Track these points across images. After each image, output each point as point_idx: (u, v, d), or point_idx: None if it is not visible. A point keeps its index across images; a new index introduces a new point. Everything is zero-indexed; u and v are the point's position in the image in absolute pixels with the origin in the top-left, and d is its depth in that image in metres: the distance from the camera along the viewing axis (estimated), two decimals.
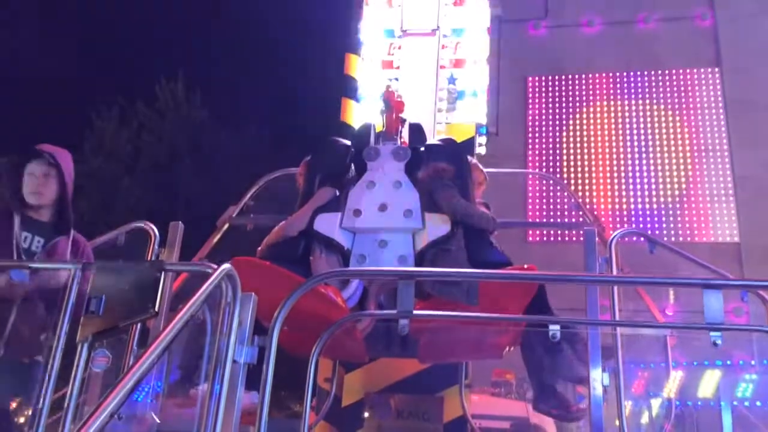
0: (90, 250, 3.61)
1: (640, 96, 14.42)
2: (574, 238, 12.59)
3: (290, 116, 18.69)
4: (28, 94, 18.22)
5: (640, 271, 2.91)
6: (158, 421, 3.72)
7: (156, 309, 2.32)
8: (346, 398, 4.98)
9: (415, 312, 2.71)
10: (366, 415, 4.94)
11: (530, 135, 14.52)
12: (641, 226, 13.30)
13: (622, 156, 14.01)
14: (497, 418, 5.85)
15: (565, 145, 14.33)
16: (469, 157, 4.42)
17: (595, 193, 13.76)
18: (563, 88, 14.85)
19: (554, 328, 2.66)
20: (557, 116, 14.65)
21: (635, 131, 14.20)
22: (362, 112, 6.55)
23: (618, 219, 13.44)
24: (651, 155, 13.93)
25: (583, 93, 14.71)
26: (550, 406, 3.73)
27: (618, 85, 14.60)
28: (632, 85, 14.57)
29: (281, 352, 2.49)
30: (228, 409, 2.26)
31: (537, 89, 14.95)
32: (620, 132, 14.25)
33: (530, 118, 14.70)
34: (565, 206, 13.48)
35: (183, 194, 17.14)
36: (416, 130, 4.51)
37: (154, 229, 3.95)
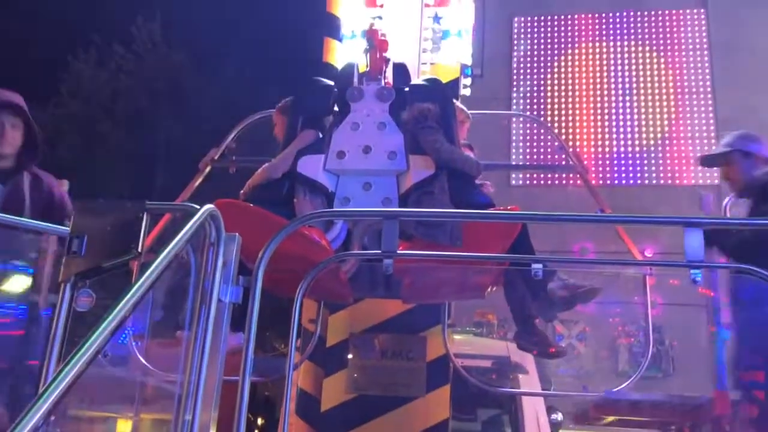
0: (61, 190, 3.60)
1: (625, 37, 14.30)
2: (556, 182, 12.67)
3: (272, 57, 18.35)
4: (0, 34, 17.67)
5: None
6: (144, 362, 3.75)
7: (139, 249, 2.30)
8: (330, 338, 5.02)
9: (399, 252, 2.72)
10: (350, 354, 5.01)
11: (515, 77, 14.40)
12: (623, 168, 13.37)
13: (606, 98, 13.98)
14: (479, 356, 5.95)
15: (549, 87, 14.24)
16: None
17: (578, 135, 13.76)
18: (549, 28, 14.67)
19: (537, 267, 2.70)
20: (542, 58, 14.51)
21: (620, 73, 14.14)
22: (345, 52, 6.40)
23: (601, 161, 13.49)
24: (635, 97, 13.90)
25: (569, 34, 14.55)
26: (531, 342, 3.83)
27: (604, 26, 14.45)
28: (618, 25, 14.42)
29: (265, 293, 2.50)
30: (214, 347, 2.28)
31: (522, 30, 14.75)
32: (605, 73, 14.17)
33: (515, 59, 14.54)
34: (549, 149, 13.48)
35: (164, 138, 16.88)
36: (400, 71, 4.44)
37: None
